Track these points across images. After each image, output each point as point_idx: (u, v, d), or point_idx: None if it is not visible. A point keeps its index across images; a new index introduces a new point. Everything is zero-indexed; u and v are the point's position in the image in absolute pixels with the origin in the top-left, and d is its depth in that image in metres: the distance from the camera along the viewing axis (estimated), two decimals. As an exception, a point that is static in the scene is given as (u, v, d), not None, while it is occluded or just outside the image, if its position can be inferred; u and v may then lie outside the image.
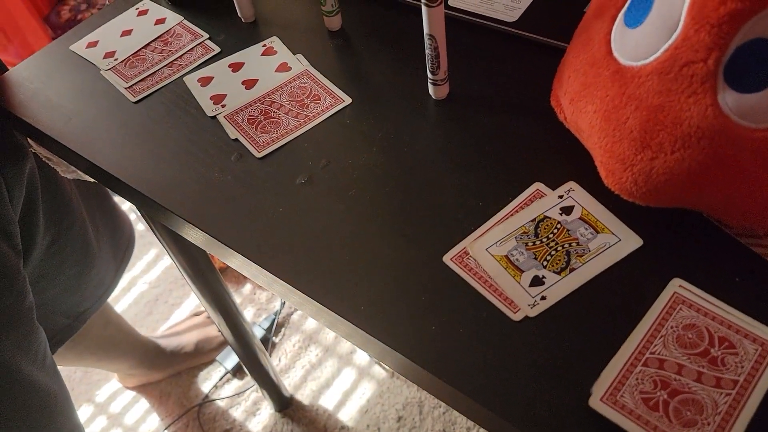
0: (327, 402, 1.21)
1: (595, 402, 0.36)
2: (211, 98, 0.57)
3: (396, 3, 0.62)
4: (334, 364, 1.25)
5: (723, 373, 0.36)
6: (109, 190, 0.85)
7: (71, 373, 1.33)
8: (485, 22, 0.58)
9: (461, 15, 0.59)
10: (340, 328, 0.44)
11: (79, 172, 0.62)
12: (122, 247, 0.86)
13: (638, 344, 0.38)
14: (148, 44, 0.63)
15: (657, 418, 0.35)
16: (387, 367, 1.18)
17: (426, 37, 0.50)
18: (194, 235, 0.51)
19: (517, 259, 0.44)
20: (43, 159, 0.63)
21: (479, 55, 0.57)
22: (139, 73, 0.60)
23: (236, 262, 0.49)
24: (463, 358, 0.40)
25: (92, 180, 0.60)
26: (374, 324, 0.42)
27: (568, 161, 0.48)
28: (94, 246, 0.76)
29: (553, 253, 0.44)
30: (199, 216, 0.50)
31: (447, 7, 0.59)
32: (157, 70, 0.60)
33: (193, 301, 1.39)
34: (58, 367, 1.26)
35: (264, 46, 0.61)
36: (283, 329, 1.31)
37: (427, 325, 0.42)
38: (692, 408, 0.35)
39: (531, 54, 0.56)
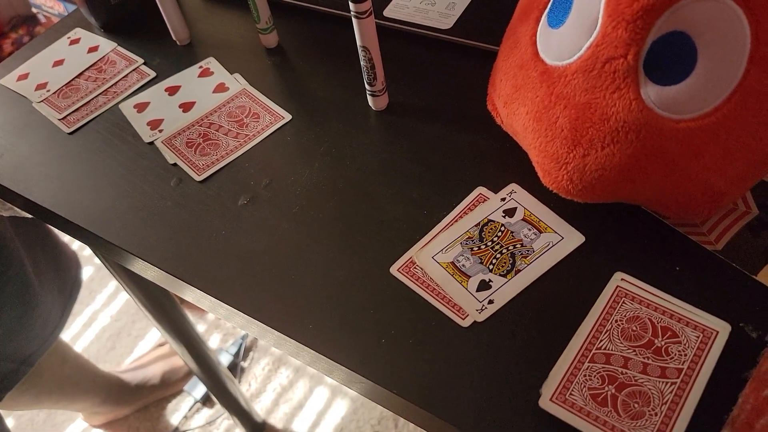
0: (301, 424, 1.19)
1: (545, 402, 0.36)
2: (148, 124, 0.56)
3: (330, 17, 0.62)
4: (306, 384, 1.23)
5: (667, 362, 0.36)
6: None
7: (34, 415, 1.28)
8: (421, 30, 0.58)
9: (397, 25, 0.59)
10: (304, 355, 0.43)
11: (15, 208, 0.60)
12: (68, 284, 0.83)
13: (584, 341, 0.38)
14: (81, 73, 0.61)
15: (606, 414, 0.35)
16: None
17: (360, 49, 0.50)
18: (145, 270, 0.50)
19: (463, 265, 0.44)
20: (-22, 198, 0.61)
21: (417, 63, 0.57)
22: (73, 103, 0.59)
23: (193, 296, 0.48)
24: (413, 370, 0.39)
25: (30, 216, 0.58)
26: (321, 342, 0.41)
27: (508, 163, 0.49)
28: (35, 286, 0.73)
29: (498, 256, 0.44)
30: (141, 246, 0.48)
31: (382, 17, 0.60)
32: (92, 99, 0.59)
33: (157, 332, 1.35)
34: (17, 411, 1.21)
35: (200, 67, 0.60)
36: (251, 353, 1.29)
37: (377, 339, 0.41)
38: (640, 400, 0.35)
39: (467, 60, 0.56)
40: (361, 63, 0.51)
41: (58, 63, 0.63)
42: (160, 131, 0.55)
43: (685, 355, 0.36)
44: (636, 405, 0.35)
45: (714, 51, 0.34)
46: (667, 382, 0.36)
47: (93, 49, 0.64)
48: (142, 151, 0.55)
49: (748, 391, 0.35)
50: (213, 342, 1.32)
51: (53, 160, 0.55)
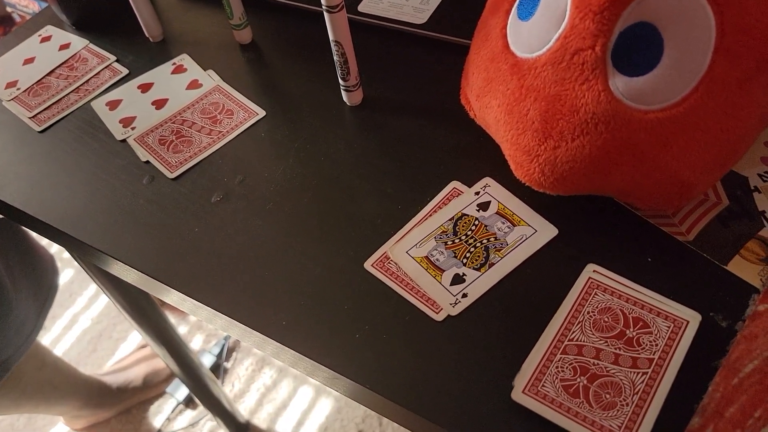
0: (285, 423, 1.18)
1: (518, 394, 0.36)
2: (120, 121, 0.55)
3: (304, 12, 0.62)
4: (290, 384, 1.23)
5: (639, 353, 0.36)
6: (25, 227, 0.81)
7: (14, 420, 1.26)
8: (395, 25, 0.58)
9: (371, 20, 0.59)
10: (286, 356, 0.43)
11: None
12: (44, 288, 0.81)
13: (557, 332, 0.38)
14: (52, 71, 0.61)
15: (578, 405, 0.35)
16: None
17: (332, 44, 0.49)
18: (124, 273, 0.49)
19: (437, 259, 0.43)
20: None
21: (392, 58, 0.57)
22: (44, 101, 0.58)
23: (173, 298, 0.47)
24: (387, 365, 0.39)
25: (1, 216, 0.57)
26: (296, 339, 0.41)
27: (482, 157, 0.49)
28: (9, 290, 0.72)
29: (472, 249, 0.44)
30: (113, 245, 0.48)
31: (356, 12, 0.59)
32: (63, 97, 0.58)
33: (138, 334, 1.34)
34: (-3, 416, 1.19)
35: (174, 64, 0.59)
36: (234, 354, 1.28)
37: (351, 335, 0.41)
38: (611, 390, 0.35)
39: (441, 54, 0.56)
40: (334, 58, 0.51)
41: (29, 61, 0.62)
42: (133, 129, 0.54)
43: (656, 345, 0.36)
44: (608, 396, 0.35)
45: (680, 42, 0.34)
46: (638, 373, 0.36)
47: (64, 47, 0.63)
48: (114, 149, 0.54)
49: (718, 380, 0.35)
50: (195, 343, 1.31)
51: (23, 159, 0.55)
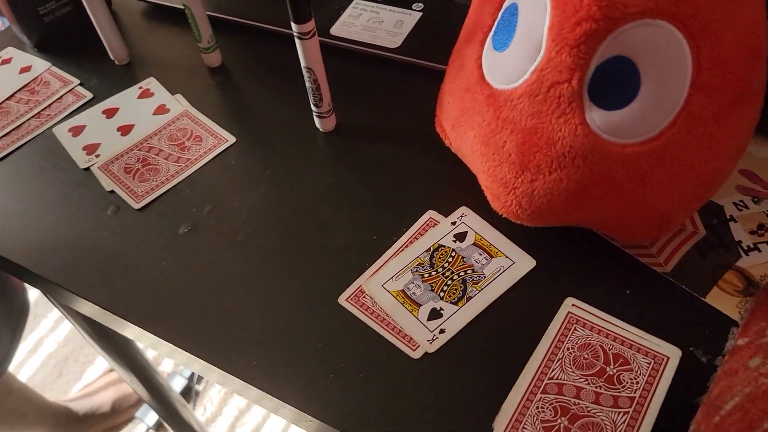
0: (259, 447, 1.15)
1: (498, 438, 0.35)
2: (83, 149, 0.53)
3: (275, 35, 0.60)
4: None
5: (620, 391, 0.36)
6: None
7: (-25, 450, 1.21)
8: (369, 49, 0.57)
9: (344, 44, 0.58)
10: (250, 393, 0.41)
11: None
12: (15, 314, 0.78)
13: (536, 371, 0.37)
14: (12, 95, 0.58)
15: (559, 447, 0.34)
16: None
17: (304, 70, 0.48)
18: (81, 306, 0.47)
19: (413, 293, 0.42)
20: None
21: (365, 83, 0.56)
22: (3, 127, 0.56)
23: (132, 332, 0.45)
24: (362, 405, 0.38)
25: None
26: (266, 379, 0.40)
27: (459, 186, 0.48)
28: None
29: (449, 282, 0.43)
30: (75, 280, 0.46)
31: (329, 36, 0.58)
32: (23, 123, 0.56)
33: (107, 357, 1.30)
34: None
35: (140, 88, 0.57)
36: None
37: (324, 374, 0.39)
38: (593, 431, 0.34)
39: (416, 79, 0.55)
40: (306, 84, 0.49)
41: (-13, 84, 0.60)
42: (97, 156, 0.52)
43: (637, 383, 0.36)
44: (589, 437, 0.34)
45: (657, 76, 0.34)
46: (619, 412, 0.35)
47: (25, 69, 0.60)
48: (77, 177, 0.52)
49: (699, 418, 0.34)
50: (167, 365, 1.27)
51: (-20, 188, 0.52)
